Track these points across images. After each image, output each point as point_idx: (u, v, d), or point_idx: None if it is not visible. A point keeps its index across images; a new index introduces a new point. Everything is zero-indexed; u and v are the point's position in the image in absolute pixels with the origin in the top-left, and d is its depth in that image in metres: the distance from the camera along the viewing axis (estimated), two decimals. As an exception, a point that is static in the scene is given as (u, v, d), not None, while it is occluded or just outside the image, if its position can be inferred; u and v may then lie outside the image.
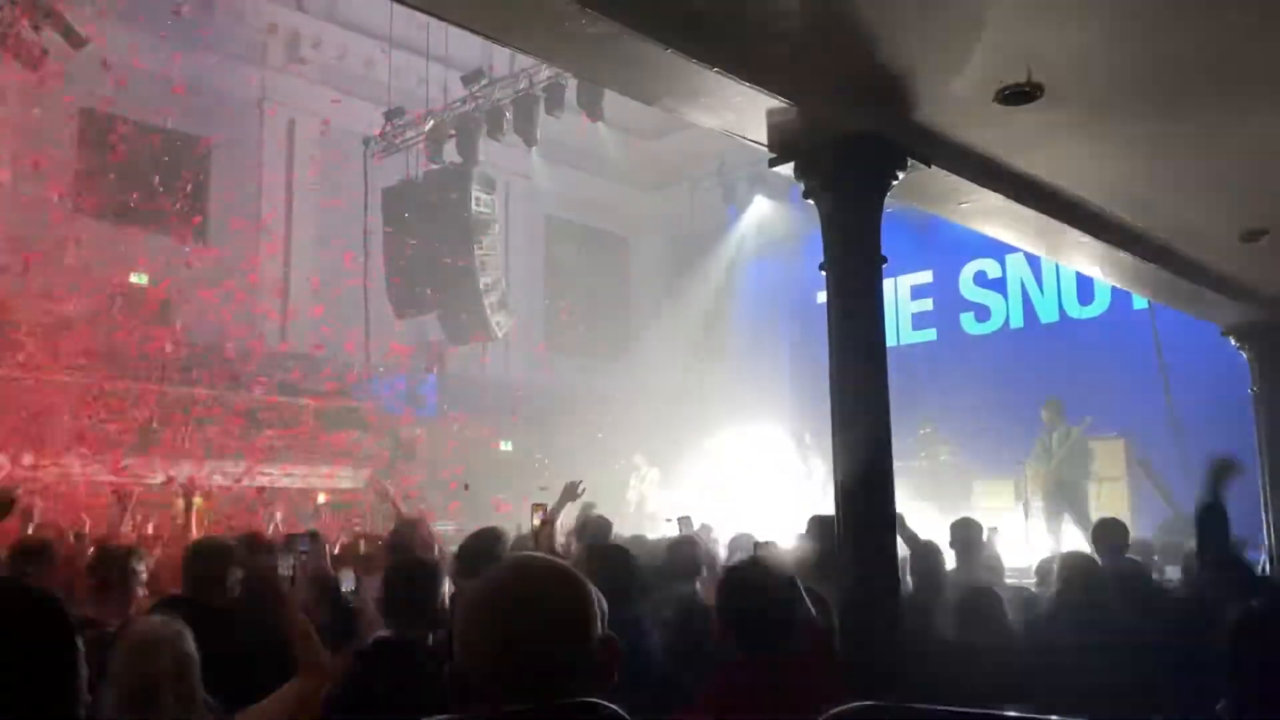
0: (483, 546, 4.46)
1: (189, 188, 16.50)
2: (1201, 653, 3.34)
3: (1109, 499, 10.96)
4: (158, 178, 15.74)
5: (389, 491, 7.21)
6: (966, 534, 5.76)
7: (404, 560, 3.62)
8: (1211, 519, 3.97)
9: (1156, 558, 6.22)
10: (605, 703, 1.21)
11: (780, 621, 2.66)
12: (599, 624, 1.43)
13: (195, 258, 16.50)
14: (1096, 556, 5.37)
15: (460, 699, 1.38)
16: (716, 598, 2.79)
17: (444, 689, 1.40)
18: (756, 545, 4.69)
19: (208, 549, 3.98)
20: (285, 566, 4.07)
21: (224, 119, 17.11)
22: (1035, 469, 10.91)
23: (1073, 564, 4.53)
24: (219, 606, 3.64)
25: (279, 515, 8.63)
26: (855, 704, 1.10)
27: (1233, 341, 6.88)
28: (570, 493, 5.53)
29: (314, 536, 4.41)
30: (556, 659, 1.36)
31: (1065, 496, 10.56)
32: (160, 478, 11.81)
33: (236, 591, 3.78)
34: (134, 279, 15.85)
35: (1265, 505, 6.50)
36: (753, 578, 2.80)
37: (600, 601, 1.45)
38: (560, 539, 5.22)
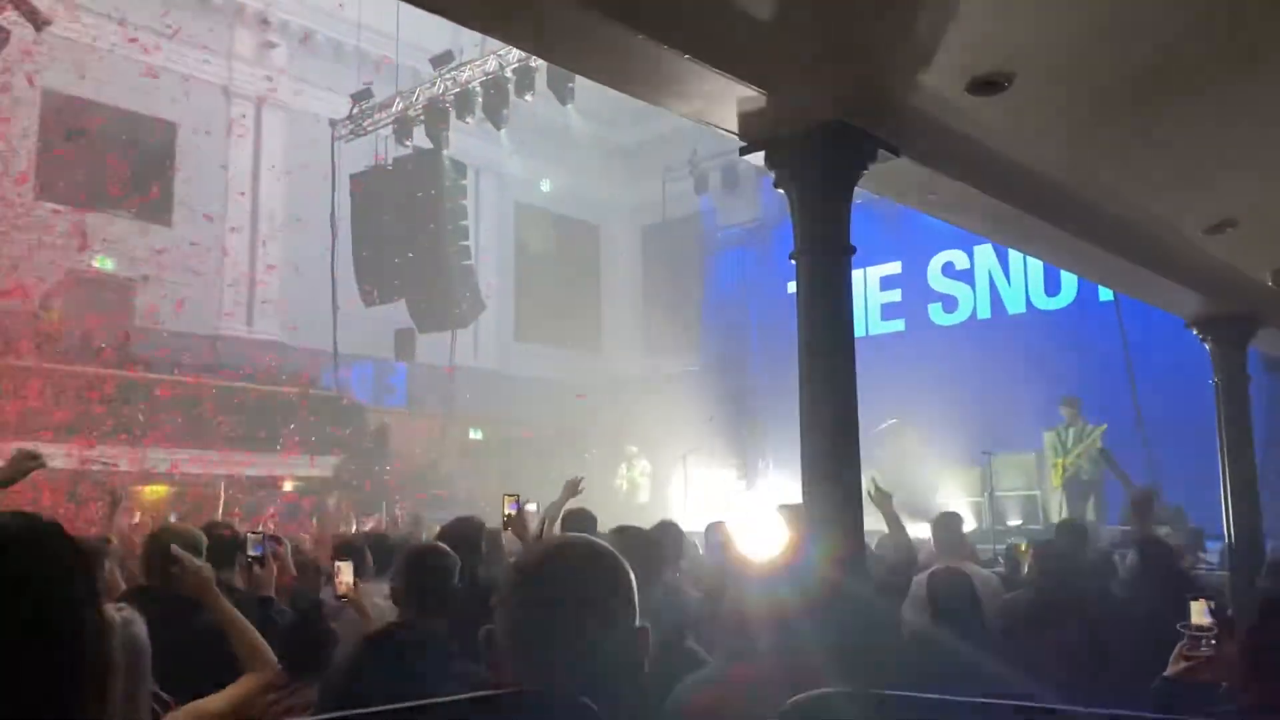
0: (463, 534, 4.45)
1: (154, 171, 16.29)
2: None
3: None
4: (122, 161, 15.53)
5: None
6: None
7: (418, 547, 3.62)
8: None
9: (1116, 556, 6.31)
10: (577, 694, 1.19)
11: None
12: (634, 613, 1.40)
13: (160, 242, 16.30)
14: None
15: (497, 679, 1.36)
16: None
17: (453, 675, 1.39)
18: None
19: (173, 536, 3.93)
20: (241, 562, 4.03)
21: (190, 102, 16.90)
22: (1053, 461, 11.02)
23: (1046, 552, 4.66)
24: (184, 594, 3.61)
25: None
26: (815, 691, 1.09)
27: (1195, 333, 6.95)
28: (572, 489, 5.57)
29: (276, 540, 4.28)
30: (577, 646, 1.34)
31: (1080, 492, 10.66)
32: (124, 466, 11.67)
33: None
34: (97, 263, 15.65)
35: (1225, 496, 6.58)
36: None
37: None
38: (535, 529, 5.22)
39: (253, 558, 4.02)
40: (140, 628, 2.56)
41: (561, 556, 1.43)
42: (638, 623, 1.40)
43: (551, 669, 1.30)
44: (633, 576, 1.43)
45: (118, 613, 2.57)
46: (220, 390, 14.90)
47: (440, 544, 3.74)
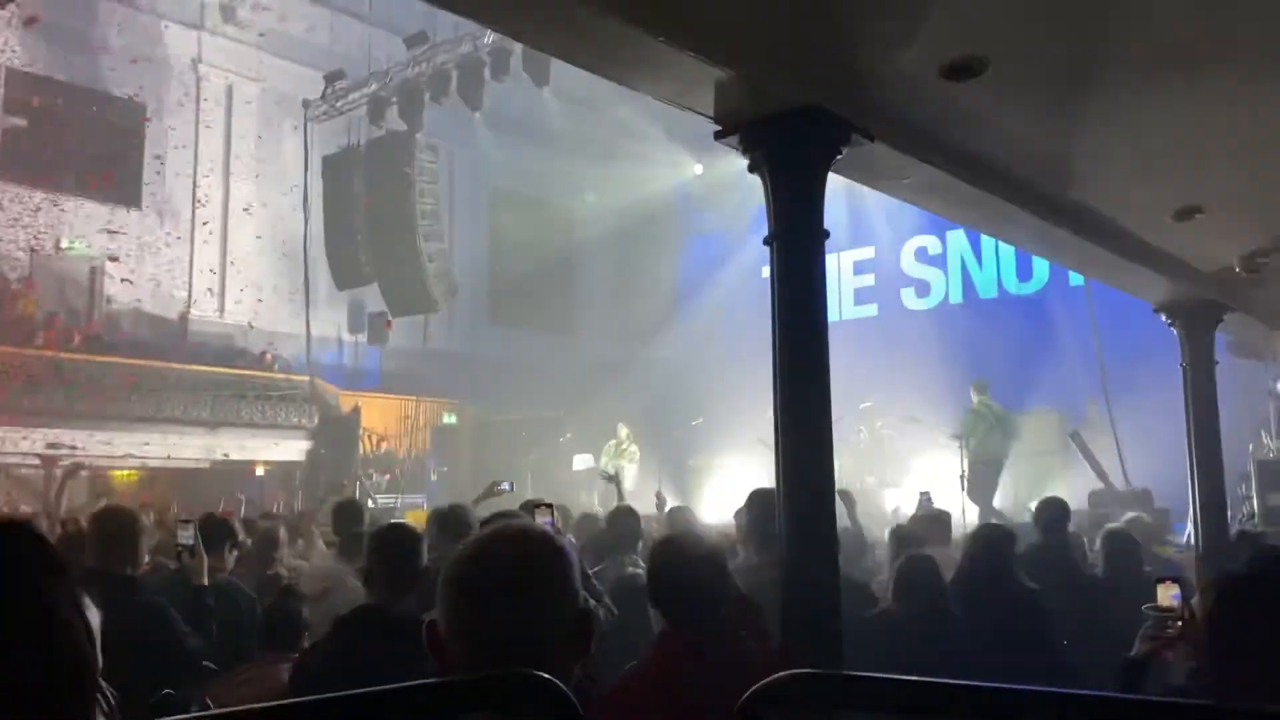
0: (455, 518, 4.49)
1: (121, 152, 16.06)
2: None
3: (1042, 472, 11.24)
4: (89, 142, 15.31)
5: None
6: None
7: (385, 529, 3.61)
8: None
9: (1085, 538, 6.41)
10: (545, 675, 1.19)
11: (708, 595, 2.67)
12: (576, 596, 1.41)
13: (128, 224, 16.10)
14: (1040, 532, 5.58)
15: (442, 669, 1.36)
16: (647, 572, 2.79)
17: (421, 657, 1.39)
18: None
19: (115, 516, 3.91)
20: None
21: (159, 82, 16.66)
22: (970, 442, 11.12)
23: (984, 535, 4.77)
24: (128, 576, 3.62)
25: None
26: (788, 672, 1.10)
27: (1163, 318, 7.02)
28: (489, 492, 5.67)
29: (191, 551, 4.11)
30: (521, 631, 1.34)
31: (990, 470, 10.82)
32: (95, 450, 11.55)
33: (146, 561, 3.78)
34: (65, 245, 15.43)
35: (1192, 480, 6.67)
36: (680, 551, 2.82)
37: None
38: None
39: (182, 546, 3.98)
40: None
41: (499, 543, 1.44)
42: (580, 605, 1.41)
43: (492, 653, 1.31)
44: (574, 560, 1.44)
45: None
46: (189, 374, 14.76)
47: (408, 524, 3.73)
